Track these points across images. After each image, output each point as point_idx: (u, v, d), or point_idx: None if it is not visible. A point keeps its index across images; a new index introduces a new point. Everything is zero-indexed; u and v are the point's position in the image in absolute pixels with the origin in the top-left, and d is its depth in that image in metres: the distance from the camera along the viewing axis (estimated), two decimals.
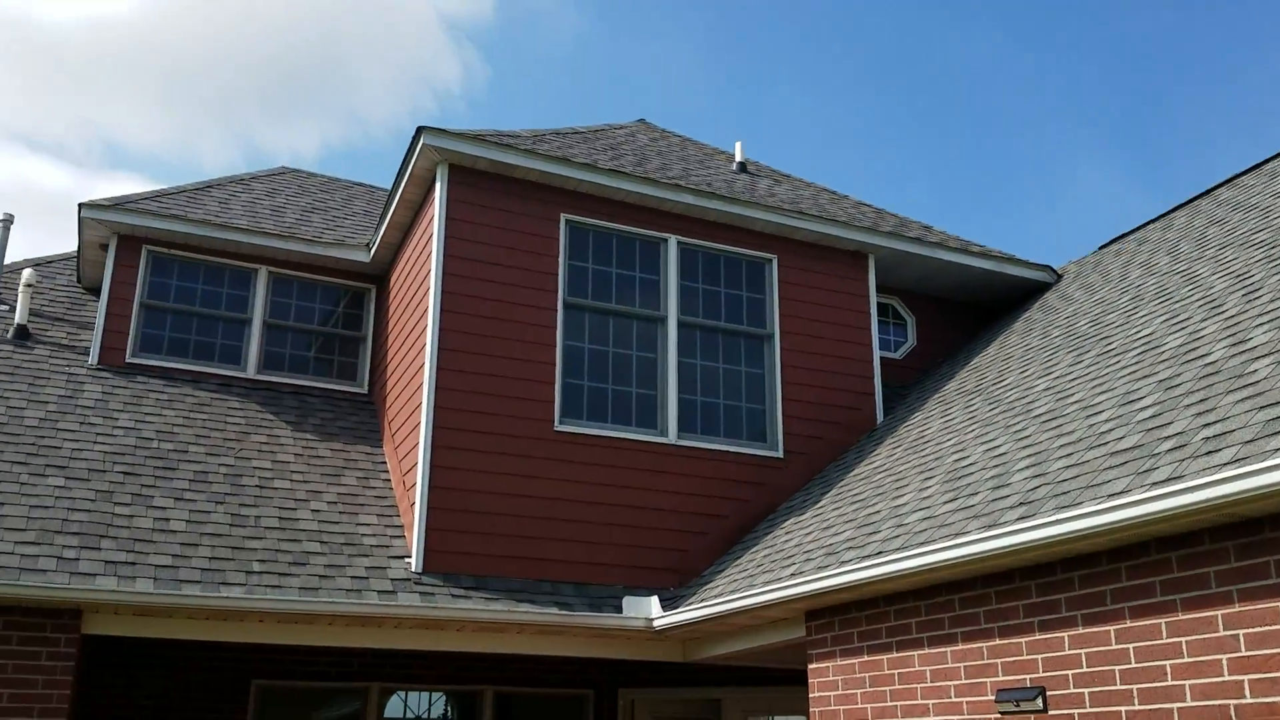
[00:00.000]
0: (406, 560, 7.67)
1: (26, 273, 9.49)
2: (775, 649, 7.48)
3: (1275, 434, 4.04)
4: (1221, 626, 4.11)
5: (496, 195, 8.64)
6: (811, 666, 6.70)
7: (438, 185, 8.49)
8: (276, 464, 8.54)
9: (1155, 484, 4.27)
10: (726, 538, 8.52)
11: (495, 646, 7.74)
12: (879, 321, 10.34)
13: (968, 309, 11.11)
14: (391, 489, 8.61)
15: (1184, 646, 4.25)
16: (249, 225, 10.01)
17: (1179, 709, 4.24)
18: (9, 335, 9.22)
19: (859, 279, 9.81)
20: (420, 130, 8.32)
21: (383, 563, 7.61)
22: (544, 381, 8.32)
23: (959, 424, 7.47)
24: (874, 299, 9.80)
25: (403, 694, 9.49)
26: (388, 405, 9.30)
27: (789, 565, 6.87)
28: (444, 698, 9.67)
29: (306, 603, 6.99)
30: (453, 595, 7.44)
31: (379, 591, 7.27)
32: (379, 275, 10.37)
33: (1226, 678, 4.07)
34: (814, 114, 31.70)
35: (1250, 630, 4.00)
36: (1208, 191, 9.73)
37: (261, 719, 8.92)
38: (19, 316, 9.33)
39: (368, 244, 10.05)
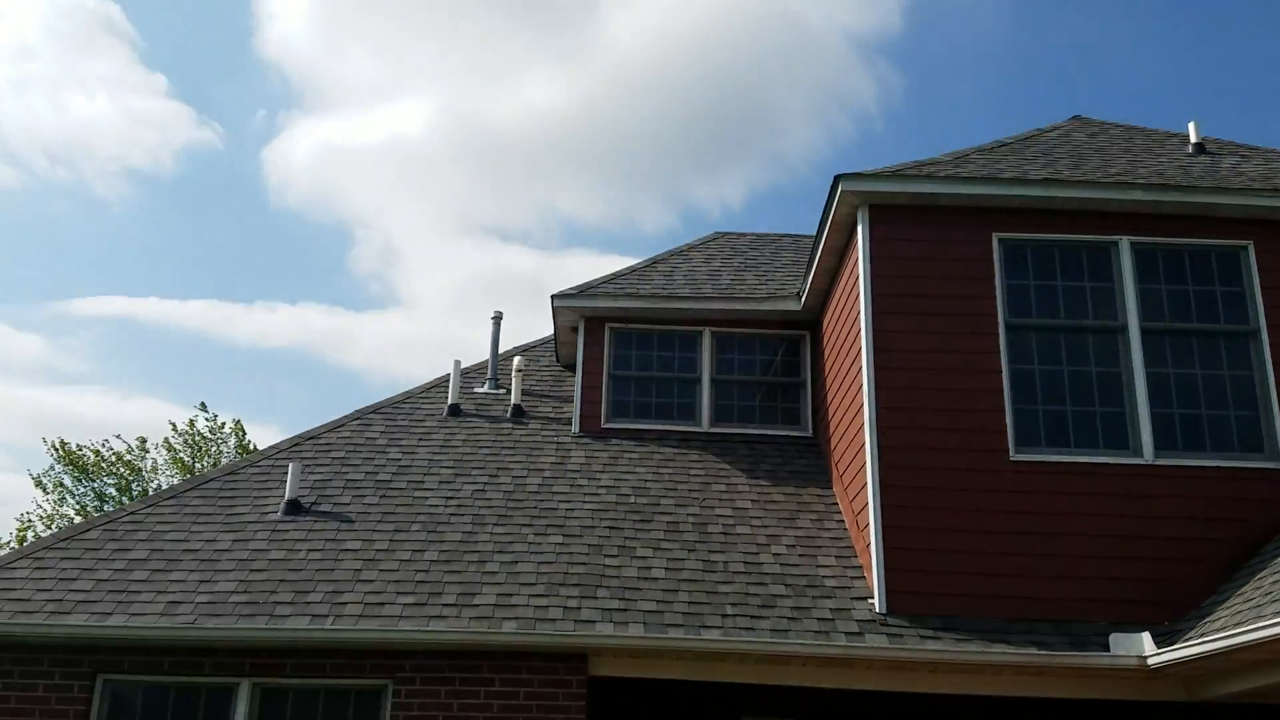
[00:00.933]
0: (870, 601, 7.70)
1: (517, 360, 11.04)
2: None
3: None
4: None
5: (921, 226, 8.53)
6: None
7: (859, 227, 8.58)
8: (736, 510, 9.02)
9: None
10: (1226, 564, 7.56)
11: (969, 688, 7.47)
12: None
13: None
14: (845, 530, 8.71)
15: None
16: (691, 292, 10.80)
17: None
18: (508, 415, 10.71)
19: None
20: (838, 179, 8.49)
21: (846, 604, 7.71)
22: (993, 410, 8.00)
23: None
24: None
25: None
26: (832, 446, 9.46)
27: None
28: None
29: (778, 644, 7.28)
30: (921, 636, 7.34)
31: (846, 633, 7.37)
32: (812, 320, 10.64)
33: None
34: None
35: None
36: None
37: None
38: (514, 398, 10.82)
39: (798, 293, 10.38)
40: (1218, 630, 6.55)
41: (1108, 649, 7.23)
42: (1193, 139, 9.89)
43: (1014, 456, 7.90)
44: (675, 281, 11.21)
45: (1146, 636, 7.24)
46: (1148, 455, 7.91)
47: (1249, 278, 8.37)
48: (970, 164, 8.99)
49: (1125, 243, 8.43)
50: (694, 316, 10.71)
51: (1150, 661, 7.07)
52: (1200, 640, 6.63)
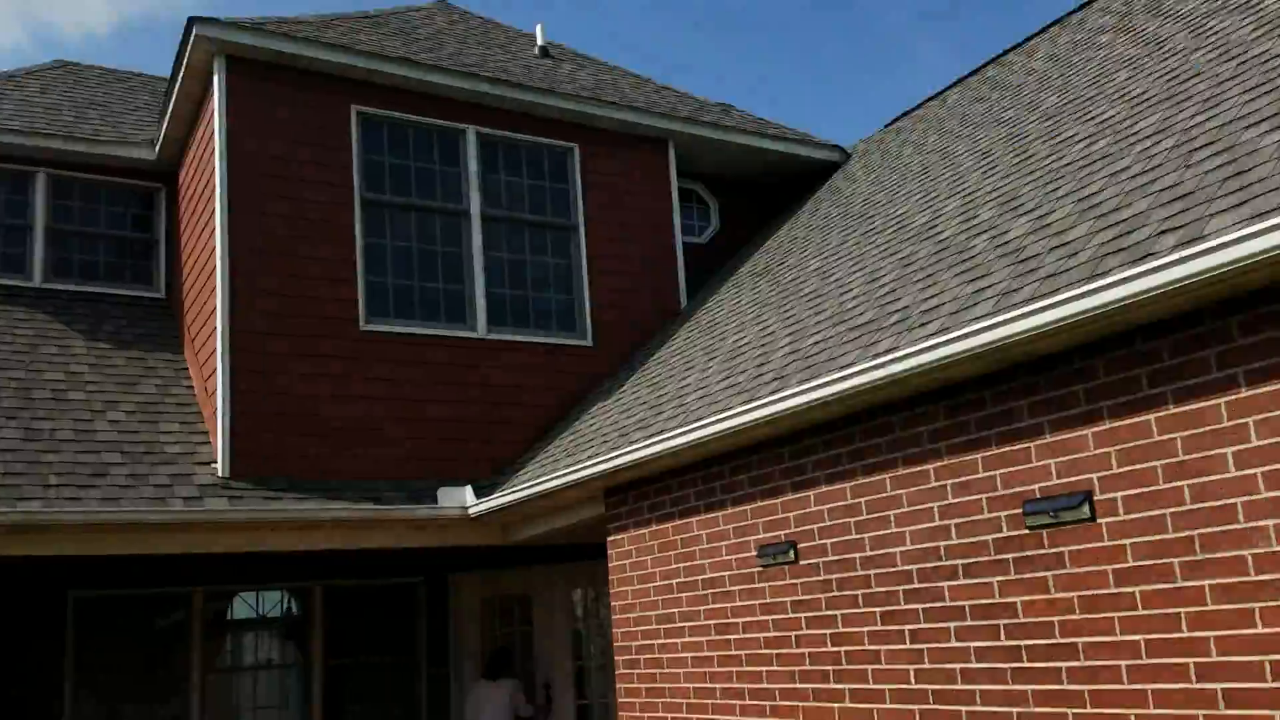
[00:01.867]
0: (213, 466, 7.68)
1: None
2: (584, 525, 7.86)
3: (975, 304, 4.51)
4: (933, 478, 4.64)
5: (282, 88, 8.39)
6: (609, 539, 7.12)
7: (215, 79, 8.19)
8: (70, 375, 8.33)
9: (877, 355, 4.72)
10: (542, 426, 8.79)
11: (315, 544, 7.82)
12: (684, 207, 10.59)
13: (772, 191, 11.49)
14: (194, 396, 8.52)
15: (904, 498, 4.79)
16: (22, 126, 9.45)
17: (900, 552, 4.79)
18: None
19: (660, 166, 10.00)
20: (192, 21, 7.97)
21: (188, 470, 7.61)
22: (346, 280, 8.30)
23: (744, 305, 7.88)
24: (675, 185, 10.02)
25: (240, 596, 9.59)
26: (186, 310, 9.11)
27: (588, 448, 7.22)
28: (279, 596, 9.82)
29: (107, 513, 6.97)
30: (264, 498, 7.52)
31: (184, 498, 7.29)
32: (169, 173, 9.98)
33: (937, 523, 4.62)
34: None
35: (955, 480, 4.54)
36: (977, 70, 10.23)
37: (81, 629, 8.88)
38: None
39: (152, 140, 9.64)
40: (522, 482, 7.61)
41: (437, 501, 8.08)
42: (539, 42, 10.91)
43: (364, 327, 8.31)
44: (4, 113, 9.71)
45: (468, 489, 8.19)
46: (481, 330, 8.81)
47: (574, 177, 9.56)
48: (334, 30, 8.99)
49: (472, 132, 9.12)
50: (25, 154, 9.40)
51: (471, 511, 8.01)
52: (508, 491, 7.65)
